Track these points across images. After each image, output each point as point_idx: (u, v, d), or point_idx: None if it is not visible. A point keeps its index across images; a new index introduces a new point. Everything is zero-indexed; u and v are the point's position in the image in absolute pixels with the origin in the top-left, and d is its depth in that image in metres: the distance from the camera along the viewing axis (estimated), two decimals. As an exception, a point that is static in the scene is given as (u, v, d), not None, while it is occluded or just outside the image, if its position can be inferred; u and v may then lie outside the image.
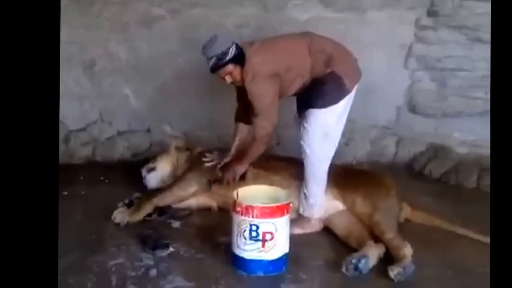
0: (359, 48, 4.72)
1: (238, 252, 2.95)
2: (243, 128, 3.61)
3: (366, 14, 4.76)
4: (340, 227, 3.35)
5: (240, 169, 3.46)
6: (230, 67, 3.23)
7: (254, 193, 3.11)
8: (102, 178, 4.34)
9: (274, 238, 2.90)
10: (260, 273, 2.93)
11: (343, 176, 3.50)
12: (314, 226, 3.45)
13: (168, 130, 4.96)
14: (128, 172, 4.37)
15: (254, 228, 2.87)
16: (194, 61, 4.62)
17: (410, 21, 4.77)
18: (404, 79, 4.91)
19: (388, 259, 2.99)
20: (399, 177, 4.40)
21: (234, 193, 3.01)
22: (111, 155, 4.87)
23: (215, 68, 3.25)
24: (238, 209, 2.91)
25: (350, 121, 4.84)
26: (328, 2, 4.72)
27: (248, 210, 2.87)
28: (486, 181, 4.27)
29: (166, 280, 2.83)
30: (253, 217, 2.87)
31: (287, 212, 2.94)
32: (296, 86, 3.32)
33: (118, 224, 3.43)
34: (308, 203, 3.41)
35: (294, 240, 3.07)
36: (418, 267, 2.94)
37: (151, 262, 2.99)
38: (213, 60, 3.21)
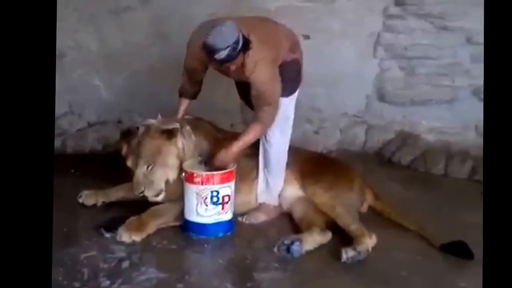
0: (328, 37, 4.80)
1: (198, 219, 3.19)
2: (187, 103, 3.52)
3: (335, 3, 4.78)
4: (296, 210, 3.40)
5: (232, 157, 3.24)
6: (241, 56, 2.98)
7: (192, 165, 3.30)
8: (72, 170, 4.27)
9: (230, 200, 3.21)
10: (220, 234, 3.23)
11: (306, 164, 3.51)
12: (276, 211, 3.48)
13: (139, 121, 4.93)
14: (99, 164, 4.35)
15: (215, 194, 3.15)
16: (165, 51, 4.62)
17: (378, 10, 4.80)
18: (372, 67, 4.96)
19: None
20: (368, 165, 4.50)
21: (184, 166, 3.22)
22: (82, 147, 4.83)
23: (228, 60, 2.94)
24: (198, 179, 3.13)
25: (319, 110, 4.96)
26: (298, -9, 4.73)
27: (208, 178, 3.13)
28: (453, 167, 4.39)
29: (139, 271, 2.83)
30: (213, 184, 3.13)
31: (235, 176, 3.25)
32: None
33: (91, 218, 3.41)
34: (271, 189, 3.45)
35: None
36: (388, 251, 3.02)
37: (123, 254, 2.99)
38: (227, 51, 2.88)
